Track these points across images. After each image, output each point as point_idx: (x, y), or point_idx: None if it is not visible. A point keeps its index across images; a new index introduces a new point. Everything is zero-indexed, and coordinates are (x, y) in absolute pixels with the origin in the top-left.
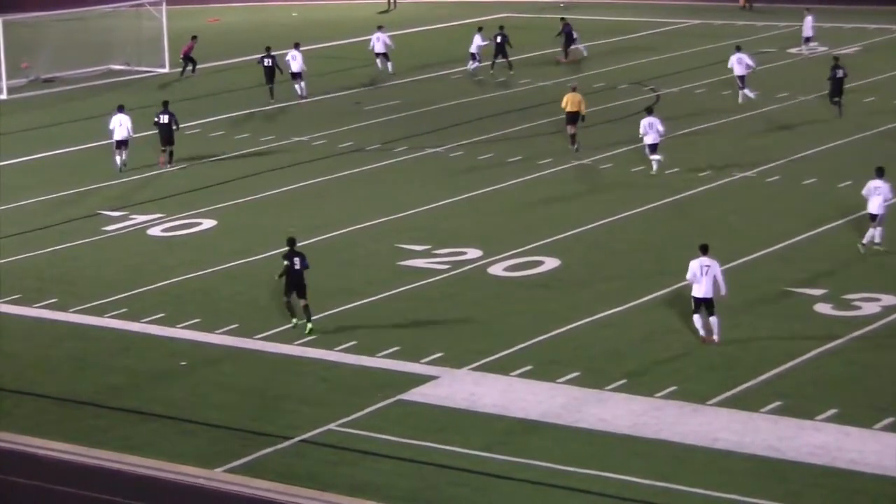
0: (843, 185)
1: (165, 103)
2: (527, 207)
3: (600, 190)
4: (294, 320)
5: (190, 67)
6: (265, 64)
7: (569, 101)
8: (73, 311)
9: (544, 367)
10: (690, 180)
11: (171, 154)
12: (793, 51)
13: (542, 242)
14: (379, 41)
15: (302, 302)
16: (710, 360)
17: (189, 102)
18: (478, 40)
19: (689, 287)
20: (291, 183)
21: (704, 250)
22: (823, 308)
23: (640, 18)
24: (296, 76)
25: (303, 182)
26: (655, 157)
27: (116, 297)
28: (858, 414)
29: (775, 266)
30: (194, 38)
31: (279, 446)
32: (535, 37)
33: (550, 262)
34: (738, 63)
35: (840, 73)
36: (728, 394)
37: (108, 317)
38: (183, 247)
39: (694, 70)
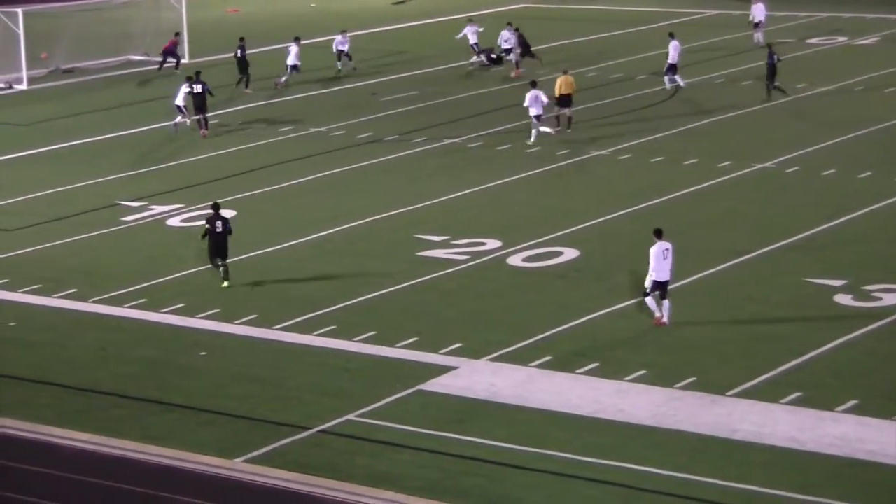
0: (862, 175)
1: (197, 73)
2: (546, 198)
3: (619, 181)
4: (224, 284)
5: (172, 63)
6: (237, 55)
7: (562, 85)
8: (93, 301)
9: (563, 358)
10: (710, 171)
11: (206, 121)
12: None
13: (561, 233)
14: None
15: (219, 261)
16: (729, 351)
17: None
18: (471, 32)
19: (708, 277)
20: (310, 173)
21: (660, 234)
22: (843, 299)
23: (662, 9)
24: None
25: (321, 172)
26: (544, 128)
27: (136, 288)
28: (878, 405)
29: (795, 257)
30: (177, 34)
31: (298, 436)
32: (555, 28)
33: (570, 253)
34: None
35: (774, 59)
36: (747, 385)
37: (128, 307)
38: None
39: (714, 60)
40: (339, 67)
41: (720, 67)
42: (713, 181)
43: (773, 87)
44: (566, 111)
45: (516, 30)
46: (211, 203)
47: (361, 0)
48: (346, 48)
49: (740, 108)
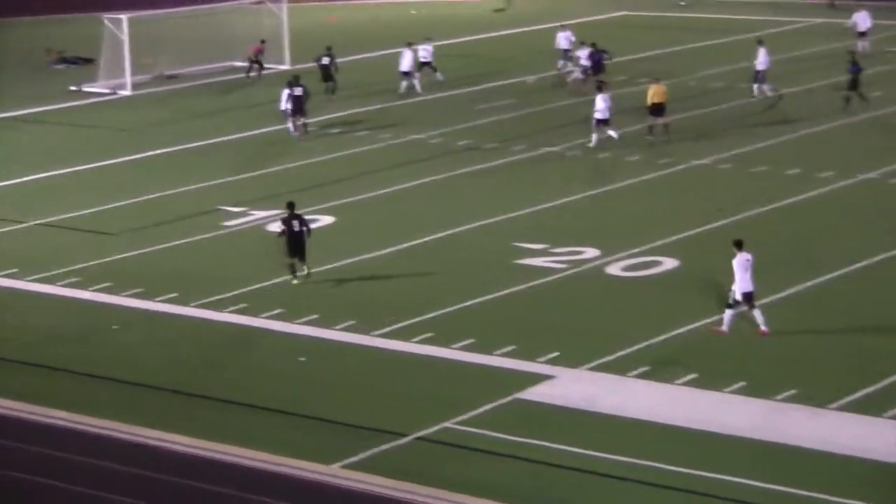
0: None
1: (296, 77)
2: (645, 207)
3: (719, 190)
4: (294, 281)
5: (255, 71)
6: (322, 62)
7: (654, 93)
8: (194, 306)
9: (662, 369)
10: (812, 181)
11: (304, 125)
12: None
13: (660, 242)
14: (564, 40)
15: (296, 259)
16: (831, 364)
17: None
18: (563, 40)
19: (809, 288)
20: (409, 180)
21: (740, 245)
22: None
23: (763, 17)
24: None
25: (420, 179)
26: (611, 131)
27: (236, 293)
28: None
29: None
30: (263, 41)
31: (396, 443)
32: (653, 36)
33: (669, 263)
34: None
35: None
36: (850, 398)
37: (228, 312)
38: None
39: (818, 70)
40: (418, 85)
41: (823, 77)
42: (815, 191)
43: (857, 95)
44: (659, 120)
45: (596, 50)
46: (287, 203)
47: (462, 7)
48: (429, 58)
49: (843, 118)
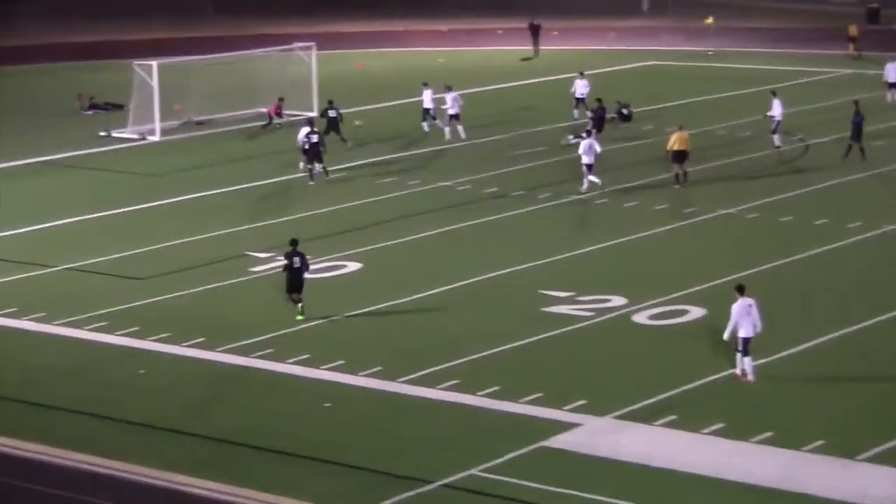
0: None
1: (311, 121)
2: (673, 255)
3: (747, 239)
4: (299, 317)
5: (272, 126)
6: (329, 115)
7: (676, 141)
8: (220, 351)
9: (689, 418)
10: (839, 232)
11: (325, 170)
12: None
13: (687, 291)
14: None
15: (297, 296)
16: (859, 415)
17: (333, 146)
18: (580, 88)
19: (838, 338)
20: (436, 227)
21: (741, 290)
22: None
23: (786, 67)
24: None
25: (447, 227)
26: (593, 178)
27: (262, 338)
28: None
29: None
30: (281, 99)
31: (421, 490)
32: (681, 85)
33: (696, 311)
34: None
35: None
36: (878, 449)
37: (254, 357)
38: (327, 289)
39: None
40: (463, 136)
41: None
42: (843, 242)
43: (857, 146)
44: (680, 167)
45: (600, 106)
46: (290, 239)
47: (489, 55)
48: (457, 110)
49: (871, 169)
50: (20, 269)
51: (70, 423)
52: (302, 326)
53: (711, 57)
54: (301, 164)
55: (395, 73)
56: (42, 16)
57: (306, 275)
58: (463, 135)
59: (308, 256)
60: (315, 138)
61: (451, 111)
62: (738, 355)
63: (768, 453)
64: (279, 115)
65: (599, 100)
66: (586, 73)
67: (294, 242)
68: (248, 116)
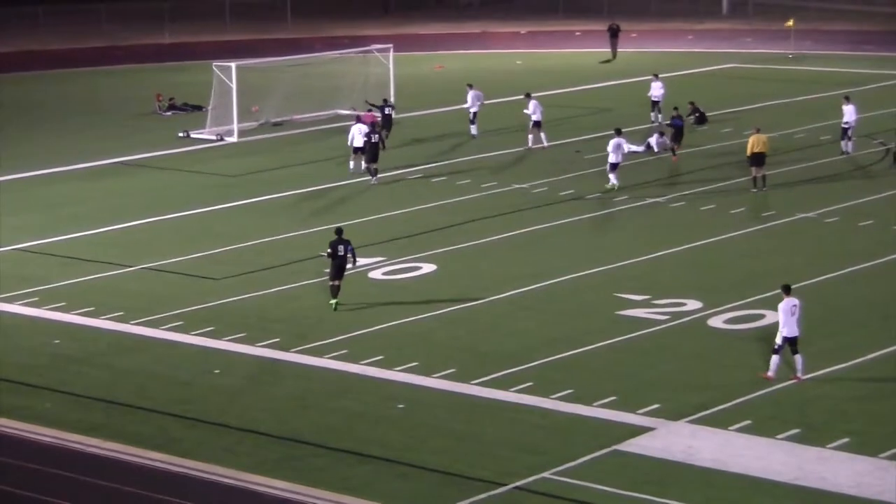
0: None
1: (374, 125)
2: (748, 259)
3: (826, 244)
4: (333, 301)
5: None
6: (385, 112)
7: (755, 143)
8: (294, 352)
9: (764, 423)
10: None
11: (375, 171)
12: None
13: (764, 295)
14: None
15: (337, 282)
16: None
17: (411, 147)
18: (655, 90)
19: None
20: (511, 230)
21: (788, 290)
22: None
23: (867, 70)
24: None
25: (523, 229)
26: (612, 177)
27: (336, 339)
28: None
29: None
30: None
31: (494, 492)
32: (761, 88)
33: (772, 316)
34: None
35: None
36: None
37: (328, 357)
38: (403, 290)
39: None
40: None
41: None
42: None
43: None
44: (758, 170)
45: (677, 115)
46: (335, 228)
47: (567, 57)
48: (539, 116)
49: None
50: (98, 268)
51: (144, 422)
52: (376, 327)
53: (791, 60)
54: (352, 164)
55: (473, 75)
56: (125, 18)
57: (349, 266)
58: (545, 142)
59: (352, 247)
60: (374, 138)
61: (535, 117)
62: (774, 356)
63: (844, 460)
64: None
65: (676, 108)
66: (661, 75)
67: (339, 231)
68: (325, 118)
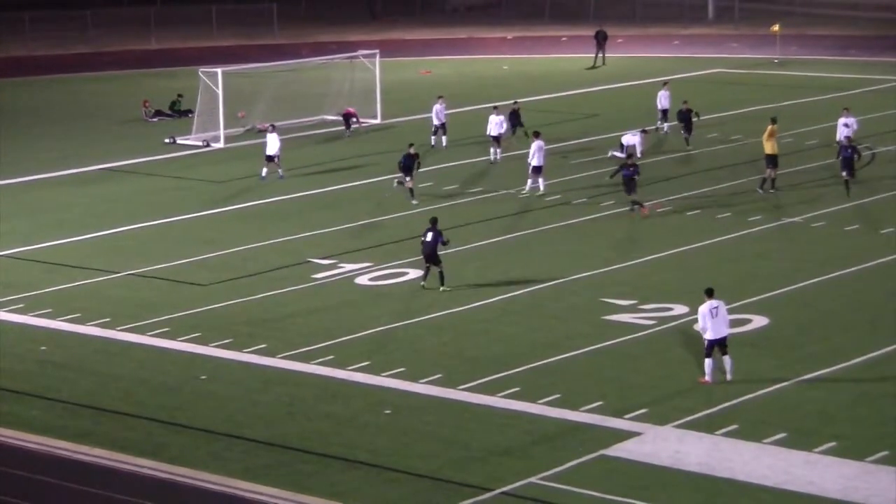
0: None
1: (410, 145)
2: (735, 264)
3: (811, 248)
4: (422, 283)
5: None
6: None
7: (770, 141)
8: (281, 357)
9: (751, 427)
10: None
11: (411, 190)
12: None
13: (750, 300)
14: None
15: (437, 269)
16: None
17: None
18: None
19: None
20: (497, 235)
21: (710, 294)
22: None
23: (853, 75)
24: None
25: (508, 235)
26: (539, 181)
27: (323, 345)
28: None
29: None
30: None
31: (481, 497)
32: (747, 93)
33: (759, 321)
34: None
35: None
36: None
37: (315, 363)
38: (389, 296)
39: None
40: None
41: None
42: None
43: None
44: (773, 171)
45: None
46: (430, 218)
47: (553, 63)
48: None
49: None
50: (84, 274)
51: (129, 428)
52: (362, 333)
53: (777, 65)
54: (396, 182)
55: (460, 80)
56: (111, 24)
57: (443, 249)
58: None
59: (442, 233)
60: (413, 150)
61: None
62: (707, 360)
63: (832, 463)
64: (356, 121)
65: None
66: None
67: (433, 220)
68: (311, 123)
